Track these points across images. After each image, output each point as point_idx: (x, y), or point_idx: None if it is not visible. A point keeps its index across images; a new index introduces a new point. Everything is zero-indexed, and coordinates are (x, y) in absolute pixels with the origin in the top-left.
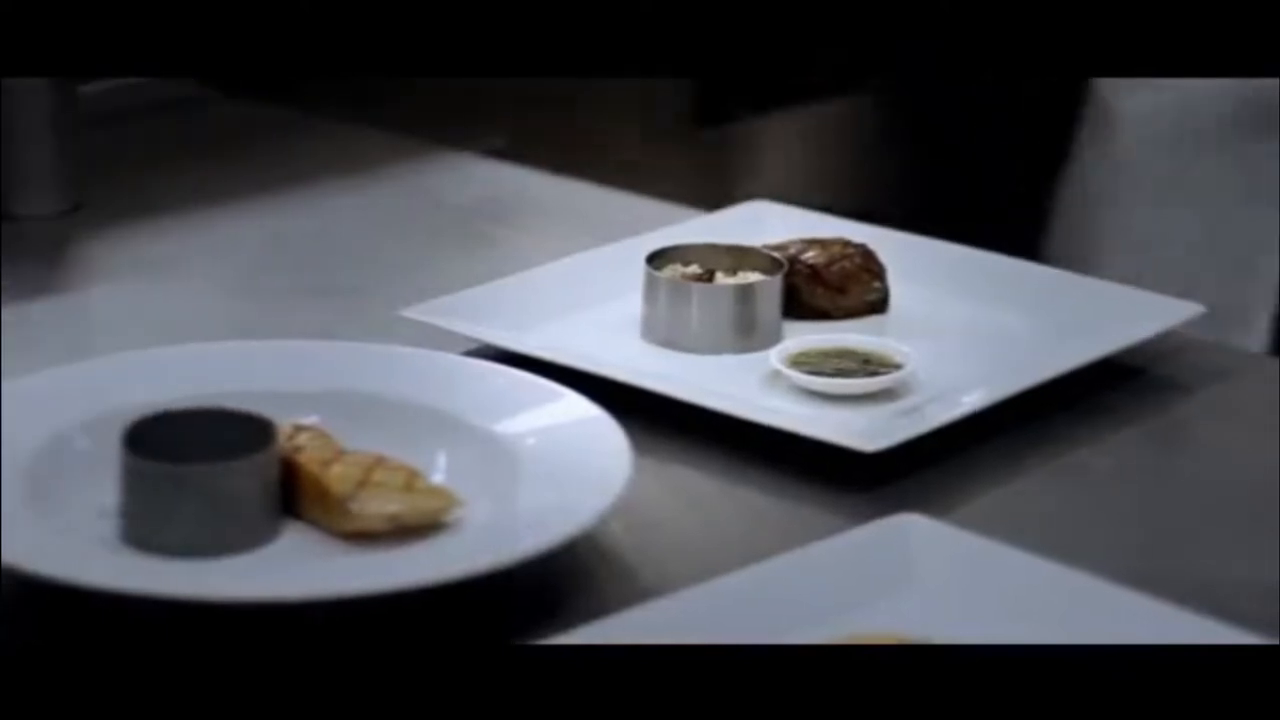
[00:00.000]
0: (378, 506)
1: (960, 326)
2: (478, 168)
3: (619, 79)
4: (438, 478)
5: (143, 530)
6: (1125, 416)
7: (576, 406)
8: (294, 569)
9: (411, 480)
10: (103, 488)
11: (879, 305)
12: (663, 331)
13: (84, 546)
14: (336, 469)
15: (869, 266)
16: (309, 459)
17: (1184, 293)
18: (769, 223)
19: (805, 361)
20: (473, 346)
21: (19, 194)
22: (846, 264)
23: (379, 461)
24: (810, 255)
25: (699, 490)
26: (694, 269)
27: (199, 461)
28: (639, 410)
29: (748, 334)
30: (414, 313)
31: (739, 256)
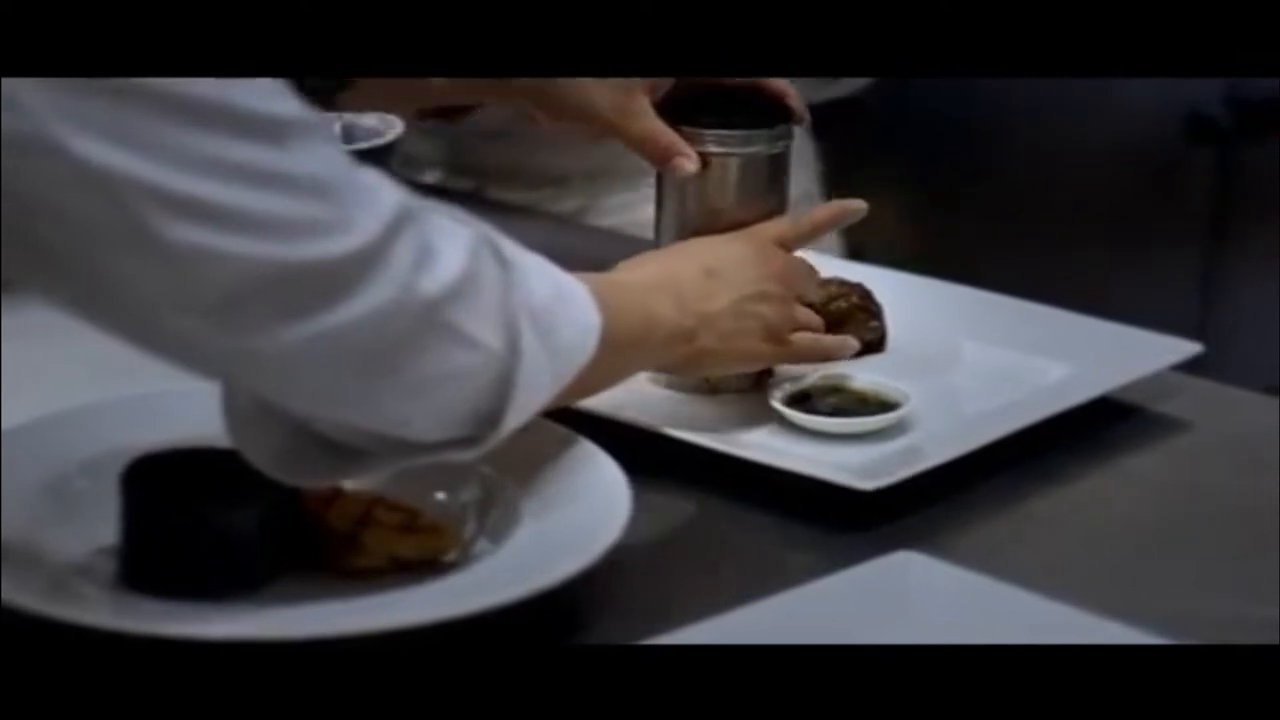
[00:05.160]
0: (378, 545)
1: (958, 365)
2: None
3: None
4: (437, 517)
5: (142, 569)
6: (1122, 454)
7: (575, 444)
8: (294, 608)
9: (411, 519)
10: (102, 527)
11: (877, 344)
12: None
13: (84, 586)
14: (336, 508)
15: (866, 305)
16: (309, 498)
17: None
18: None
19: (804, 400)
20: None
21: None
22: (843, 303)
23: (379, 500)
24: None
25: (697, 529)
26: None
27: (198, 501)
28: (638, 449)
29: None
30: None
31: None
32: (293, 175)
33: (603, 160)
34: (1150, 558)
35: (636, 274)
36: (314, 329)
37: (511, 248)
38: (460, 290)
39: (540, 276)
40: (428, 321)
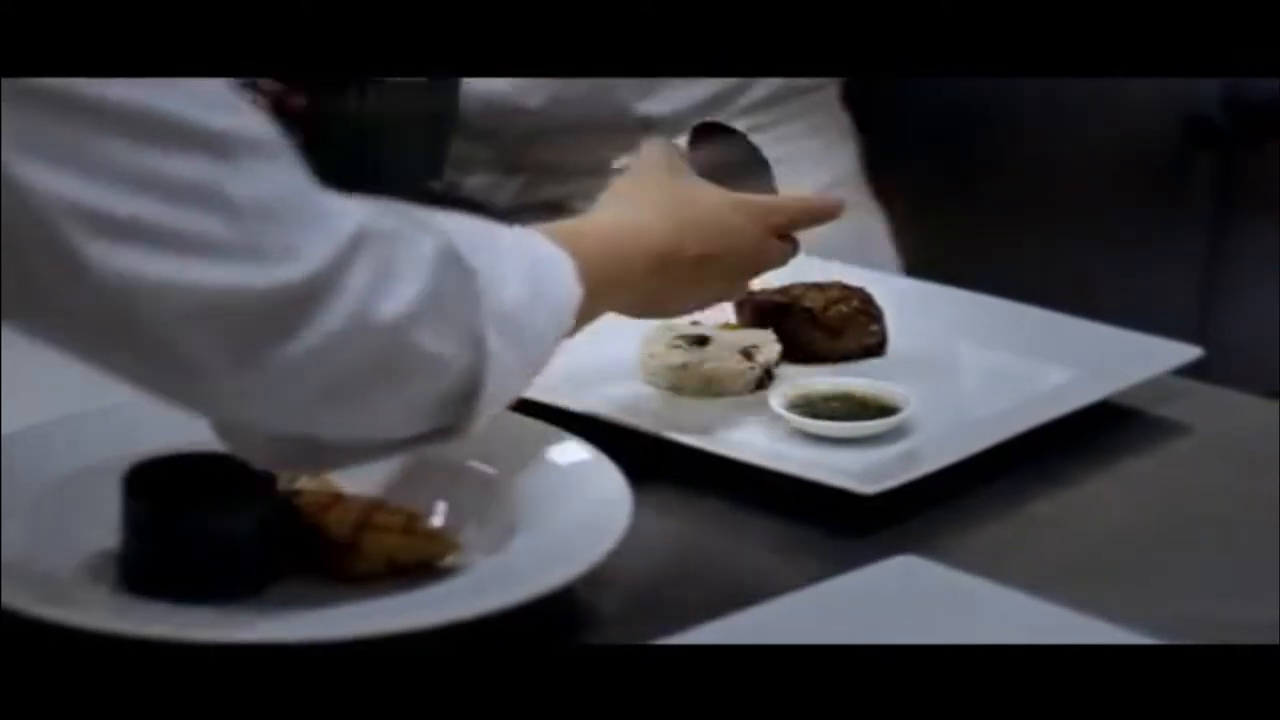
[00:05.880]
0: (376, 550)
1: (958, 369)
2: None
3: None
4: (436, 521)
5: (142, 574)
6: (1123, 458)
7: (575, 449)
8: (294, 612)
9: (410, 523)
10: (103, 532)
11: (877, 348)
12: None
13: (85, 590)
14: (335, 512)
15: (867, 310)
16: (308, 503)
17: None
18: None
19: (805, 405)
20: None
21: None
22: (844, 307)
23: (377, 505)
24: (808, 299)
25: (698, 534)
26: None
27: (199, 506)
28: (638, 453)
29: None
30: None
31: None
32: (237, 196)
33: None
34: (1151, 561)
35: (639, 241)
36: (265, 360)
37: (482, 249)
38: (420, 312)
39: (515, 272)
40: (387, 344)
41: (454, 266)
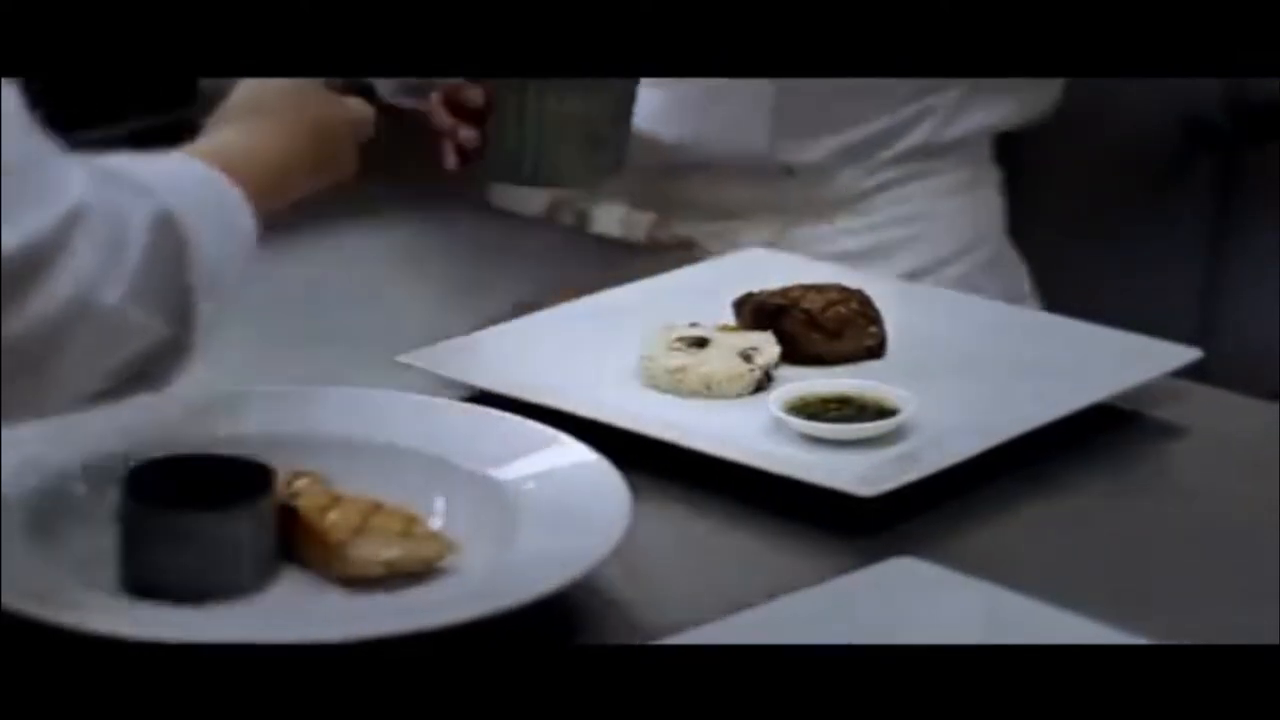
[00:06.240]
0: (374, 552)
1: (957, 371)
2: (479, 213)
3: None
4: (435, 523)
5: (141, 575)
6: (1121, 460)
7: (574, 452)
8: (291, 614)
9: (409, 526)
10: (102, 533)
11: (876, 350)
12: None
13: (83, 591)
14: (334, 514)
15: (865, 311)
16: (307, 505)
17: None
18: (768, 269)
19: (803, 407)
20: (471, 392)
21: None
22: (842, 309)
23: (376, 507)
24: (807, 301)
25: (698, 535)
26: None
27: (197, 507)
28: (638, 455)
29: None
30: (411, 359)
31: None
32: None
33: (793, 193)
34: (1150, 563)
35: (276, 155)
36: None
37: (186, 203)
38: (138, 290)
39: (211, 226)
40: (104, 325)
41: (169, 235)
